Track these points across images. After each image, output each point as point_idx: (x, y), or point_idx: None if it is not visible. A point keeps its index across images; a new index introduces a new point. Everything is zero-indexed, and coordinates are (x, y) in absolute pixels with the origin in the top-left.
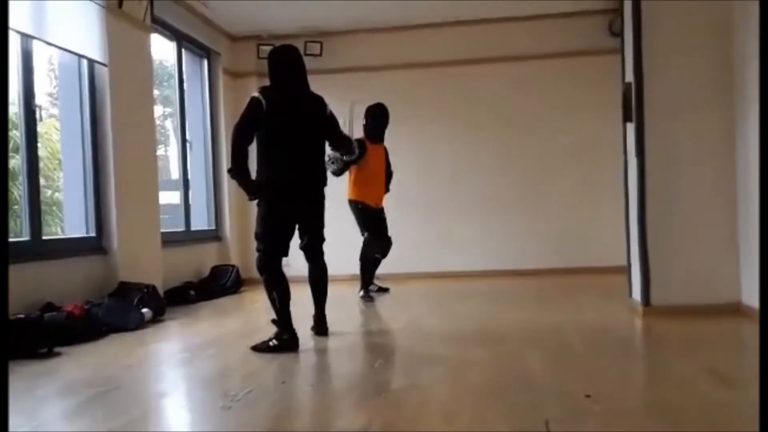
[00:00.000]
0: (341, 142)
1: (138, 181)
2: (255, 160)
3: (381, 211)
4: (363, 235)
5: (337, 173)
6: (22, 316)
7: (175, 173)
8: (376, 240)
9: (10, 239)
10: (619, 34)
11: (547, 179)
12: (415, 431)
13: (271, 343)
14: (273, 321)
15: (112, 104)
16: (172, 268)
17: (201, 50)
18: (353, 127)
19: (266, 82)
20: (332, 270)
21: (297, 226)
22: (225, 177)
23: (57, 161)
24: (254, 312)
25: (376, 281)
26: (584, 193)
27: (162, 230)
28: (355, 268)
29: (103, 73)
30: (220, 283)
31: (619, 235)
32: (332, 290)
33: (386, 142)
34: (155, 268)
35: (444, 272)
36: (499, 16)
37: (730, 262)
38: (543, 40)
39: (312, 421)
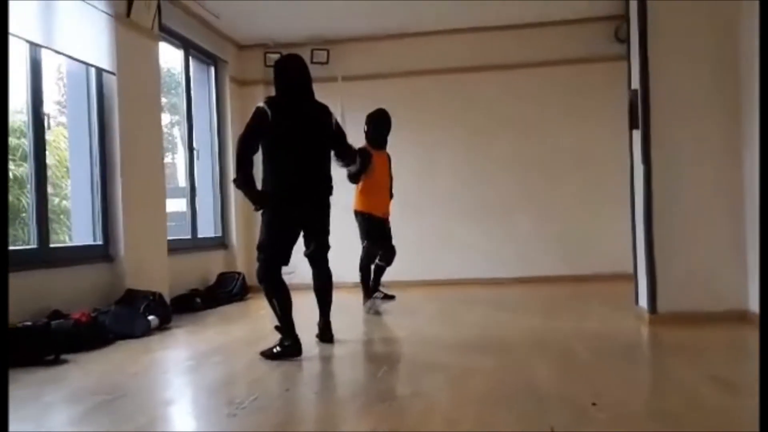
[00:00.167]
0: (346, 152)
1: (145, 188)
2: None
3: (386, 220)
4: (363, 243)
5: (354, 176)
6: (29, 323)
7: (182, 181)
8: (376, 248)
9: (18, 247)
10: (625, 41)
11: (551, 186)
12: None
13: (275, 350)
14: (276, 328)
15: (120, 112)
16: (179, 276)
17: (208, 58)
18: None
19: (273, 90)
20: (336, 277)
21: (302, 234)
22: (232, 185)
23: (65, 169)
24: (260, 319)
25: (381, 288)
26: (589, 199)
27: (169, 238)
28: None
29: (111, 82)
30: (226, 291)
31: (624, 242)
32: (336, 297)
33: (389, 148)
34: (162, 276)
35: (447, 280)
36: (505, 24)
37: (736, 270)
38: (548, 47)
39: (316, 428)
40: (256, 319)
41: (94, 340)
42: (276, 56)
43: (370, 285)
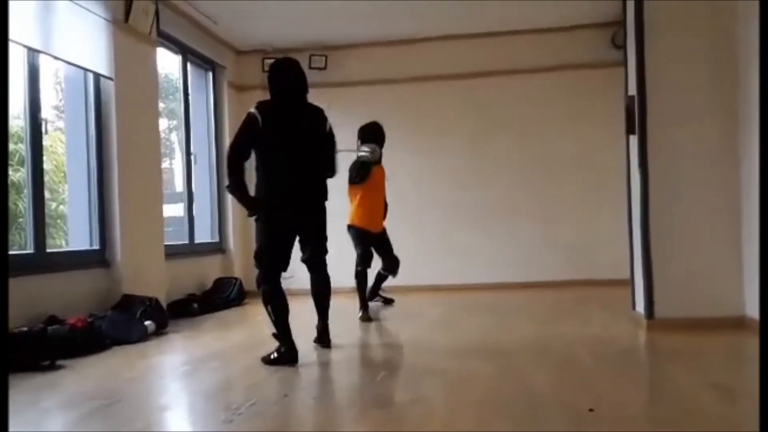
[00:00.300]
0: (327, 161)
1: (142, 193)
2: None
3: (383, 233)
4: (356, 250)
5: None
6: (25, 328)
7: (180, 186)
8: (369, 254)
9: (15, 252)
10: (622, 47)
11: (551, 191)
12: None
13: (272, 356)
14: (274, 335)
15: (118, 117)
16: (176, 281)
17: (206, 64)
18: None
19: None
20: (334, 283)
21: (298, 239)
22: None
23: (62, 174)
24: (257, 324)
25: (381, 293)
26: (590, 204)
27: (166, 243)
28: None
29: (109, 87)
30: (223, 296)
31: (623, 247)
32: (334, 302)
33: (389, 154)
34: (158, 281)
35: (448, 285)
36: (503, 30)
37: (734, 276)
38: (546, 53)
39: None
40: (254, 325)
41: (90, 345)
42: None
43: (368, 292)
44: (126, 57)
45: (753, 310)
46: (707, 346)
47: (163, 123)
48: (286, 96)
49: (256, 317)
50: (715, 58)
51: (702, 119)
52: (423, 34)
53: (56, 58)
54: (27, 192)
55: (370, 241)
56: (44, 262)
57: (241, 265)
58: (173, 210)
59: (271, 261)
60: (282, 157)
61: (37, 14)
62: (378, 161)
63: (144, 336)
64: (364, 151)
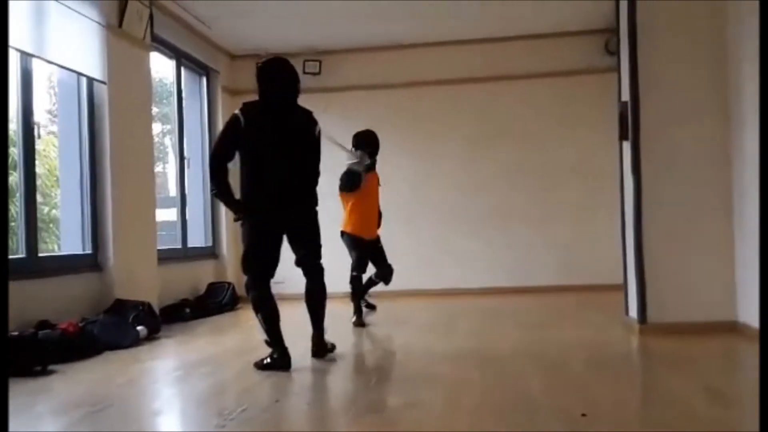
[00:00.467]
0: (314, 166)
1: (135, 198)
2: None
3: (377, 240)
4: (351, 255)
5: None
6: (16, 333)
7: (173, 190)
8: (365, 259)
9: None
10: (615, 53)
11: (546, 196)
12: None
13: (265, 361)
14: (266, 341)
15: (111, 122)
16: (169, 286)
17: (200, 68)
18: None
19: None
20: (328, 288)
21: (288, 242)
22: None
23: (54, 178)
24: (250, 329)
25: (367, 297)
26: (585, 209)
27: (159, 247)
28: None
29: (102, 91)
30: (216, 301)
31: (617, 252)
32: (328, 308)
33: (384, 159)
34: (151, 286)
35: (443, 290)
36: (497, 36)
37: (726, 281)
38: (541, 60)
39: None
40: (246, 330)
41: (82, 350)
42: None
43: (357, 294)
44: (120, 61)
45: (745, 315)
46: (700, 351)
47: (157, 127)
48: (275, 97)
49: (249, 322)
50: (707, 61)
51: (695, 123)
52: (418, 39)
53: (49, 62)
54: (19, 196)
55: (364, 247)
56: (36, 266)
57: (234, 269)
58: (166, 214)
59: (258, 266)
60: (265, 159)
61: (31, 18)
62: (369, 169)
63: (136, 341)
64: (352, 159)
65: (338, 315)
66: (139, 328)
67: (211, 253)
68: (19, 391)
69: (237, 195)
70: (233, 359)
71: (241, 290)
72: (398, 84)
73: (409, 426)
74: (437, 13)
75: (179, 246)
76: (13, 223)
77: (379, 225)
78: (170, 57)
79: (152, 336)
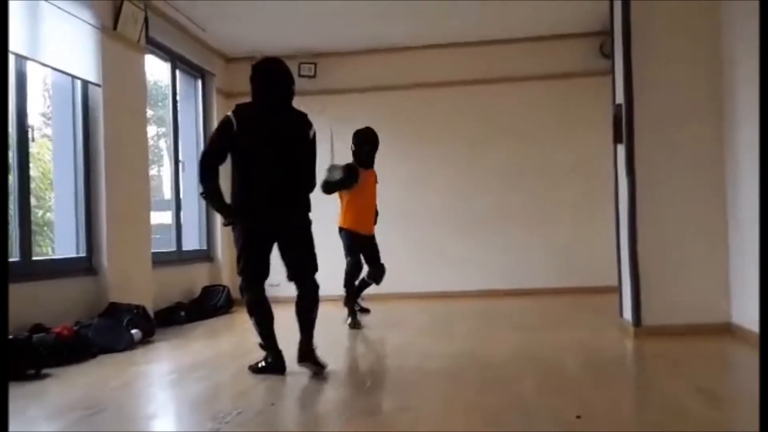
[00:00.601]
0: (305, 173)
1: (130, 201)
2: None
3: (372, 237)
4: (346, 259)
5: (329, 187)
6: (10, 337)
7: (168, 193)
8: (358, 264)
9: None
10: (610, 56)
11: (542, 199)
12: None
13: (260, 365)
14: (260, 345)
15: (105, 124)
16: (163, 289)
17: (195, 71)
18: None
19: None
20: (322, 291)
21: (279, 250)
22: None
23: (49, 181)
24: (245, 332)
25: (360, 301)
26: (580, 211)
27: (153, 250)
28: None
29: (97, 94)
30: (211, 304)
31: (613, 254)
32: (321, 310)
33: (380, 161)
34: (146, 289)
35: (438, 292)
36: (492, 39)
37: (720, 283)
38: (536, 62)
39: None
40: (241, 333)
41: (76, 353)
42: None
43: (351, 296)
44: (114, 64)
45: (739, 316)
46: (694, 353)
47: (152, 130)
48: (269, 98)
49: (244, 325)
50: (701, 63)
51: (689, 125)
52: (414, 42)
53: (44, 65)
54: (13, 199)
55: (360, 243)
56: (30, 269)
57: (229, 273)
58: (161, 217)
59: (251, 268)
60: (259, 161)
61: (25, 21)
62: (347, 177)
63: (131, 344)
64: (331, 169)
65: (332, 318)
66: (133, 331)
67: (205, 256)
68: (14, 395)
69: (227, 198)
70: (228, 362)
71: (236, 293)
72: (394, 86)
73: (404, 428)
74: (433, 16)
75: (174, 249)
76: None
77: (375, 222)
78: (165, 59)
79: (147, 339)
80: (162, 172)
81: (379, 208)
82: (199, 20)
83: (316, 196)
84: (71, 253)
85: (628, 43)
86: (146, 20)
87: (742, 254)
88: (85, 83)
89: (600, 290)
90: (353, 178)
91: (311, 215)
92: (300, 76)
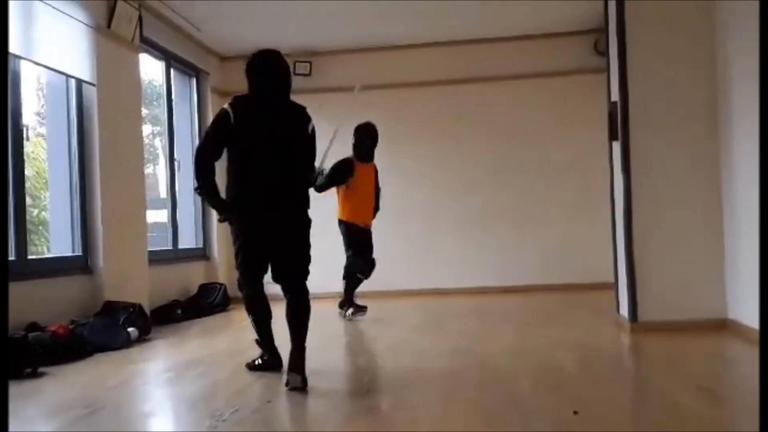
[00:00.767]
0: (306, 168)
1: (125, 200)
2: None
3: (368, 230)
4: (347, 253)
5: (319, 188)
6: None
7: (163, 192)
8: (359, 259)
9: None
10: (604, 53)
11: (535, 196)
12: None
13: (256, 362)
14: (256, 341)
15: (100, 124)
16: (159, 287)
17: (190, 69)
18: (329, 150)
19: None
20: (319, 288)
21: (271, 252)
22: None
23: (43, 180)
24: (241, 330)
25: (354, 299)
26: (573, 209)
27: (149, 249)
28: (340, 287)
29: (91, 93)
30: (207, 302)
31: (607, 251)
32: (319, 308)
33: (375, 158)
34: (142, 287)
35: (432, 289)
36: (487, 37)
37: (716, 279)
38: (530, 60)
39: None
40: (238, 331)
41: (72, 352)
42: None
43: (344, 296)
44: (108, 63)
45: (735, 312)
46: (691, 349)
47: (147, 129)
48: (266, 91)
49: (241, 323)
50: (695, 61)
51: (684, 122)
52: (409, 40)
53: (38, 64)
54: (8, 198)
55: (359, 237)
56: (26, 269)
57: (226, 271)
58: (157, 216)
59: (248, 265)
60: (255, 156)
61: (19, 20)
62: (336, 174)
63: (127, 343)
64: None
65: (328, 316)
66: (130, 329)
67: (202, 254)
68: (10, 394)
69: (222, 195)
70: (225, 360)
71: (232, 291)
72: (388, 85)
73: (401, 426)
74: (429, 14)
75: (170, 247)
76: None
77: (374, 215)
78: (159, 58)
79: (143, 338)
80: (157, 171)
81: (381, 204)
82: (193, 19)
83: (313, 193)
84: (67, 252)
85: (623, 40)
86: (140, 19)
87: (738, 250)
88: (80, 82)
89: (595, 287)
90: (347, 173)
91: (311, 212)
92: (295, 74)
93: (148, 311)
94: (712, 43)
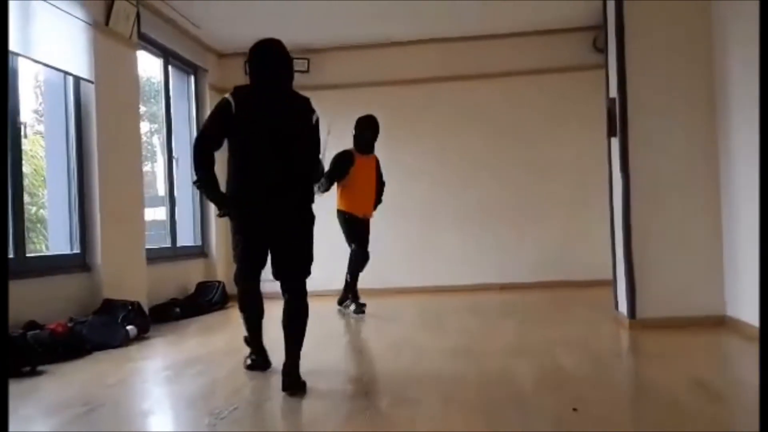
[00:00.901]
0: (311, 163)
1: (123, 197)
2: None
3: (367, 222)
4: (350, 246)
5: (323, 187)
6: None
7: (162, 189)
8: (364, 252)
9: None
10: (603, 50)
11: (534, 193)
12: None
13: (247, 362)
14: (245, 339)
15: (98, 121)
16: (158, 285)
17: (188, 67)
18: (325, 151)
19: None
20: (319, 285)
21: (271, 248)
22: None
23: (41, 178)
24: (240, 328)
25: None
26: (572, 206)
27: (147, 246)
28: (341, 284)
29: (89, 90)
30: (206, 300)
31: (605, 248)
32: (318, 306)
33: (377, 154)
34: (140, 285)
35: (430, 287)
36: (485, 34)
37: (714, 275)
38: (529, 57)
39: None
40: (236, 329)
41: (71, 350)
42: None
43: (343, 291)
44: (106, 60)
45: (733, 309)
46: (690, 346)
47: (145, 126)
48: (268, 80)
49: (239, 321)
50: (694, 57)
51: (682, 119)
52: (407, 36)
53: (36, 61)
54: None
55: (358, 228)
56: (24, 267)
57: (224, 268)
58: (155, 214)
59: (245, 261)
60: (257, 149)
61: (17, 17)
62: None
63: (126, 341)
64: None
65: (326, 314)
66: (128, 327)
67: (200, 252)
68: (9, 393)
69: (222, 189)
70: (223, 358)
71: (231, 288)
72: (387, 81)
73: (401, 426)
74: (426, 11)
75: (168, 245)
76: None
77: (375, 206)
78: (158, 56)
79: (142, 336)
80: (155, 169)
81: (384, 196)
82: (191, 16)
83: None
84: (65, 250)
85: (622, 37)
86: (138, 16)
87: (737, 247)
88: (77, 79)
89: (594, 284)
90: (346, 165)
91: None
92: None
93: (146, 309)
94: (710, 39)
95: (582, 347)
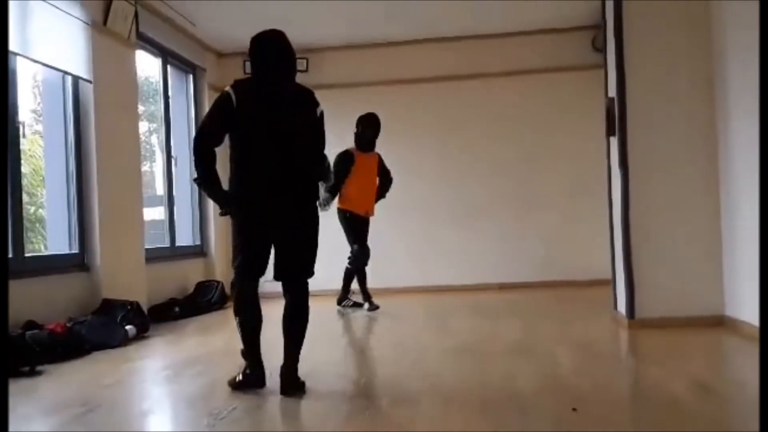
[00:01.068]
0: (317, 159)
1: (122, 197)
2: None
3: (367, 220)
4: (352, 246)
5: (332, 189)
6: None
7: (160, 189)
8: (367, 250)
9: None
10: (602, 50)
11: (532, 193)
12: None
13: (237, 379)
14: (242, 352)
15: (96, 120)
16: (157, 285)
17: (186, 66)
18: None
19: None
20: (319, 285)
21: (275, 246)
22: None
23: (40, 178)
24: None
25: (351, 296)
26: (571, 206)
27: (146, 246)
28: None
29: (88, 90)
30: (205, 299)
31: (604, 248)
32: (319, 307)
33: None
34: (139, 285)
35: (431, 286)
36: (484, 33)
37: (713, 275)
38: (527, 56)
39: None
40: (235, 328)
41: (70, 350)
42: None
43: (341, 289)
44: (105, 60)
45: (732, 309)
46: (689, 345)
47: (143, 126)
48: (270, 73)
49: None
50: (693, 56)
51: (681, 118)
52: (406, 36)
53: (34, 61)
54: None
55: (360, 225)
56: (23, 266)
57: (223, 268)
58: (154, 213)
59: (244, 263)
60: (260, 144)
61: (15, 17)
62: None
63: (125, 341)
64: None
65: (327, 314)
66: (127, 327)
67: (199, 251)
68: (8, 392)
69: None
70: (222, 358)
71: (229, 288)
72: (386, 81)
73: (401, 426)
74: (425, 11)
75: (167, 245)
76: None
77: (377, 200)
78: (156, 55)
79: (141, 335)
80: (154, 168)
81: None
82: (189, 15)
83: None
84: (64, 250)
85: (621, 37)
86: (136, 16)
87: (735, 247)
88: (76, 79)
89: (593, 284)
90: (348, 164)
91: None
92: None
93: (145, 309)
94: (709, 39)
95: (581, 347)
